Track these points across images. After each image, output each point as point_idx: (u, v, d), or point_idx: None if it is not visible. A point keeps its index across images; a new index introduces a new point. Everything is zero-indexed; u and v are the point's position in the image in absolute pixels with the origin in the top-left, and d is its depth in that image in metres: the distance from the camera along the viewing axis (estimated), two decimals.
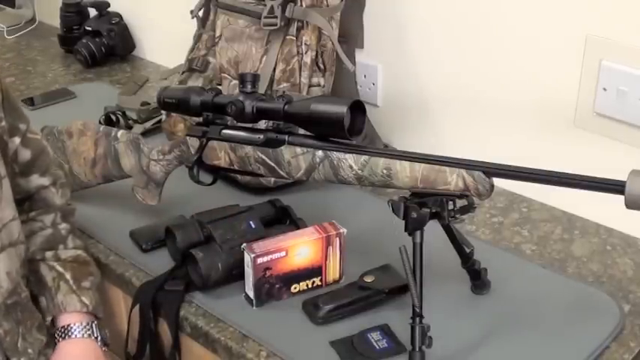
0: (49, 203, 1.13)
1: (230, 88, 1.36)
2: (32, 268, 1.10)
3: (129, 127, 1.56)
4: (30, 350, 1.03)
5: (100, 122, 1.56)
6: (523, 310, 1.07)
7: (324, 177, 1.03)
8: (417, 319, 0.93)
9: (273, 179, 1.29)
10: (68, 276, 1.10)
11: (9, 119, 1.05)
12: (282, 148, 1.05)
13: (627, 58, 1.16)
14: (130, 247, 1.22)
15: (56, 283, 1.09)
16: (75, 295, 1.09)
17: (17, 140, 1.07)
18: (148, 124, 1.58)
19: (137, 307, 1.12)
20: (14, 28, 2.24)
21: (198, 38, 1.45)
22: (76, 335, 1.09)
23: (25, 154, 1.08)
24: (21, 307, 1.03)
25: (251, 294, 1.07)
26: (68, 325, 1.09)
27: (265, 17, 1.29)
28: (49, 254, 1.11)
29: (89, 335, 1.09)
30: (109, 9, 2.01)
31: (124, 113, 1.59)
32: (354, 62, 1.41)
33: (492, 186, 0.93)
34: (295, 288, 1.10)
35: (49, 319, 1.09)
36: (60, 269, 1.10)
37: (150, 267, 1.17)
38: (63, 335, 1.09)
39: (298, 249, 1.08)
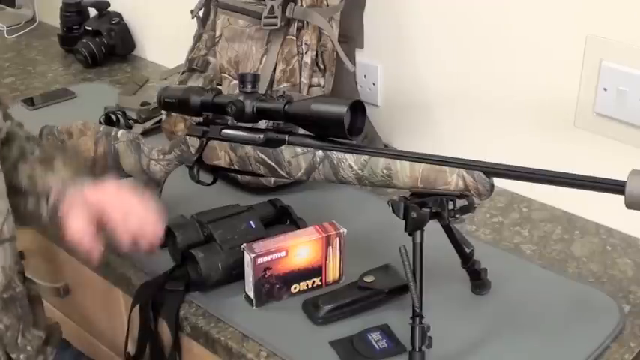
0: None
1: (230, 88, 1.36)
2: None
3: (129, 127, 1.56)
4: (29, 347, 1.04)
5: (100, 122, 1.56)
6: (523, 310, 1.07)
7: (324, 177, 1.03)
8: (417, 319, 0.93)
9: (273, 179, 1.29)
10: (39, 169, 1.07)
11: None
12: (282, 148, 1.05)
13: (627, 58, 1.16)
14: None
15: (33, 180, 1.06)
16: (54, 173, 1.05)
17: None
18: (148, 124, 1.58)
19: (137, 307, 1.12)
20: (14, 28, 2.24)
21: (198, 38, 1.45)
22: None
23: None
24: (19, 303, 1.03)
25: (251, 294, 1.08)
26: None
27: (265, 17, 1.29)
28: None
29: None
30: (109, 9, 2.01)
31: (124, 113, 1.59)
32: (354, 62, 1.41)
33: (492, 186, 0.93)
34: (295, 288, 1.10)
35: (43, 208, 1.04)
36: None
37: (150, 267, 1.17)
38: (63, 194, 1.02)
39: (298, 249, 1.08)
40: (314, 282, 1.11)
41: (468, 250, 1.06)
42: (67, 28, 2.04)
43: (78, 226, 0.97)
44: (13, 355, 1.01)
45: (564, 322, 1.05)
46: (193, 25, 1.45)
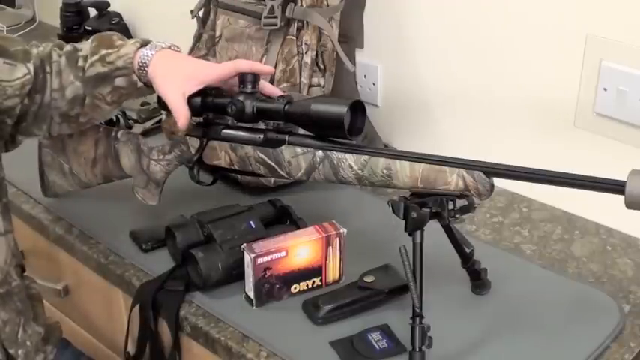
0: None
1: None
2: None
3: (129, 127, 1.56)
4: (28, 342, 1.03)
5: (100, 122, 1.55)
6: (523, 310, 1.07)
7: (324, 177, 1.03)
8: (417, 319, 0.93)
9: (273, 179, 1.29)
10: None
11: None
12: (282, 148, 1.05)
13: (627, 58, 1.16)
14: (130, 247, 1.22)
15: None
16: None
17: None
18: (148, 124, 1.58)
19: (137, 307, 1.12)
20: (14, 28, 2.24)
21: (198, 38, 1.45)
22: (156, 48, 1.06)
23: None
24: (17, 297, 1.03)
25: (251, 294, 1.08)
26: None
27: (265, 17, 1.29)
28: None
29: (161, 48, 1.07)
30: (109, 9, 2.01)
31: (124, 113, 1.59)
32: (354, 62, 1.41)
33: (492, 186, 0.94)
34: (295, 288, 1.10)
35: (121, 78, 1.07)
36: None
37: (150, 267, 1.17)
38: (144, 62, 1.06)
39: (298, 249, 1.08)
40: (314, 282, 1.11)
41: (468, 250, 1.06)
42: (67, 28, 2.03)
43: (175, 98, 1.04)
44: (11, 351, 1.01)
45: (564, 322, 1.05)
46: (193, 25, 1.45)
